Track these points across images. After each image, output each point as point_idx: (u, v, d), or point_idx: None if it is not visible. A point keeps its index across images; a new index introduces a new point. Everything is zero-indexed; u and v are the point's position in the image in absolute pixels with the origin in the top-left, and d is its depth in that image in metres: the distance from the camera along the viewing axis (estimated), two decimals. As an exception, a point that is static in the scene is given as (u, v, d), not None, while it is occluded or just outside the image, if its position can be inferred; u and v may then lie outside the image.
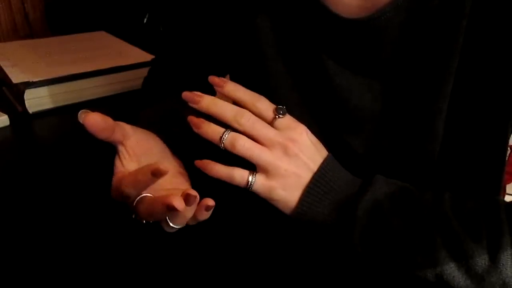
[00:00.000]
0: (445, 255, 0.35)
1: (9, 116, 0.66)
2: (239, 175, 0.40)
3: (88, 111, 0.33)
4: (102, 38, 1.02)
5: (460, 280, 0.35)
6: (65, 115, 0.72)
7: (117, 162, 0.39)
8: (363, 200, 0.38)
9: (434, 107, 0.41)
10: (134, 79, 0.79)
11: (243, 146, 0.39)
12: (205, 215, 0.37)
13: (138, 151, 0.39)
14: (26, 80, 0.70)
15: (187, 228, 0.41)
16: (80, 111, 0.33)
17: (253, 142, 0.40)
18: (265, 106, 0.41)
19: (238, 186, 0.40)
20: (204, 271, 0.40)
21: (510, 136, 0.41)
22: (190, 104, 0.41)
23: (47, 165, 0.56)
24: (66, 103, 0.73)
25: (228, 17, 0.49)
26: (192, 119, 0.41)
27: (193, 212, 0.36)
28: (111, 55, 0.87)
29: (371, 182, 0.40)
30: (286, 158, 0.40)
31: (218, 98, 0.41)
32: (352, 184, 0.41)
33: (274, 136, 0.40)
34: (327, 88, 0.44)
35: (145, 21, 1.16)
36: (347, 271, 0.40)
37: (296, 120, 0.42)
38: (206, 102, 0.40)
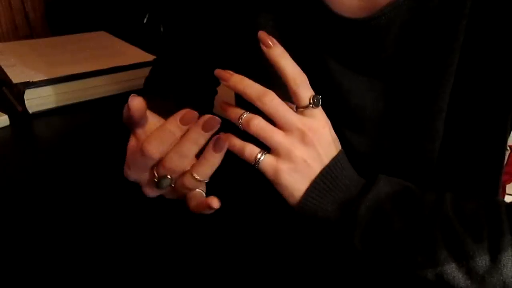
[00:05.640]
0: (445, 255, 0.35)
1: (9, 116, 0.66)
2: (249, 150, 0.40)
3: (136, 95, 0.34)
4: (102, 38, 1.02)
5: (461, 280, 0.35)
6: (65, 115, 0.72)
7: (132, 143, 0.38)
8: (366, 199, 0.38)
9: (434, 106, 0.41)
10: (134, 79, 0.79)
11: (257, 125, 0.39)
12: (208, 212, 0.38)
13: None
14: (26, 80, 0.70)
15: (187, 226, 0.41)
16: (132, 94, 0.34)
17: (267, 123, 0.39)
18: (305, 91, 0.39)
19: (247, 162, 0.40)
20: (205, 271, 0.40)
21: (509, 135, 0.42)
22: (221, 81, 0.40)
23: (47, 165, 0.56)
24: (66, 103, 0.73)
25: (230, 16, 0.49)
26: (221, 104, 0.41)
27: (220, 160, 0.37)
28: (111, 55, 0.87)
29: (374, 181, 0.40)
30: (301, 145, 0.39)
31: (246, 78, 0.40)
32: (357, 184, 0.41)
33: (295, 121, 0.39)
34: (329, 87, 0.44)
35: (145, 21, 1.16)
36: (347, 270, 0.40)
37: (324, 113, 0.41)
38: (234, 80, 0.40)
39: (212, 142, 0.35)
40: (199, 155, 0.37)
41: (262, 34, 0.39)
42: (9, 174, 0.54)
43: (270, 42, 0.39)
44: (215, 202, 0.36)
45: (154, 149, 0.35)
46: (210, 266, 0.40)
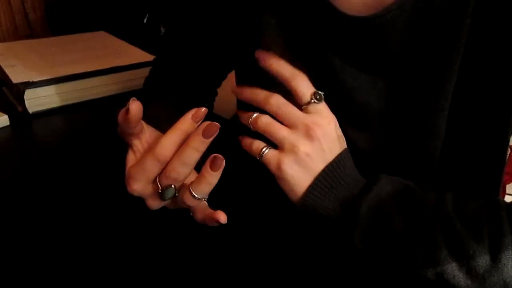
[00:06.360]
0: (446, 255, 0.35)
1: (9, 116, 0.66)
2: (256, 144, 0.42)
3: (136, 99, 0.36)
4: (102, 38, 1.02)
5: (461, 279, 0.35)
6: (65, 115, 0.72)
7: (131, 156, 0.40)
8: (367, 198, 0.38)
9: (436, 105, 0.41)
10: (134, 79, 0.79)
11: (264, 122, 0.41)
12: (214, 225, 0.39)
13: (152, 145, 0.39)
14: (26, 80, 0.70)
15: (188, 225, 0.41)
16: (132, 98, 0.36)
17: (274, 120, 0.41)
18: (304, 88, 0.41)
19: (251, 164, 0.42)
20: (205, 271, 0.40)
21: (510, 135, 0.42)
22: (237, 96, 0.44)
23: (47, 165, 0.56)
24: (66, 103, 0.73)
25: (233, 15, 0.49)
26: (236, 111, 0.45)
27: (217, 178, 0.37)
28: (111, 55, 0.87)
29: (376, 180, 0.40)
30: (305, 140, 0.40)
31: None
32: (358, 182, 0.41)
33: (299, 117, 0.40)
34: (333, 85, 0.44)
35: (145, 21, 1.16)
36: (347, 270, 0.40)
37: (329, 110, 0.42)
38: (248, 91, 0.43)
39: (209, 160, 0.36)
40: (198, 168, 0.37)
41: (258, 53, 0.43)
42: (9, 174, 0.54)
43: (265, 56, 0.43)
44: (222, 217, 0.37)
45: (167, 149, 0.36)
46: (211, 267, 0.40)
